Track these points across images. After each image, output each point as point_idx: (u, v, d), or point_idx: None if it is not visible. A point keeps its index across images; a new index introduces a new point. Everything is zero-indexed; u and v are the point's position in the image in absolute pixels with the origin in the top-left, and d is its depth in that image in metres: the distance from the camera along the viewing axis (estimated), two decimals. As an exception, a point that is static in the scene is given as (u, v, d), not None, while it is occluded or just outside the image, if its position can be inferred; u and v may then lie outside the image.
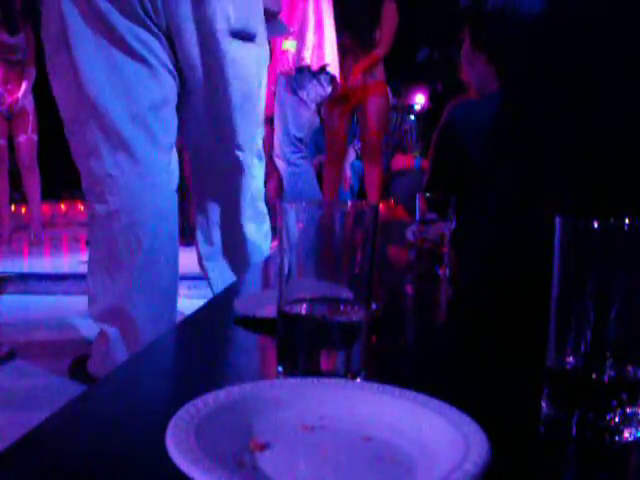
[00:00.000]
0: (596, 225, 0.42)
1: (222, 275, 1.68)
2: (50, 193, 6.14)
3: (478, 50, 1.45)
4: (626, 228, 0.41)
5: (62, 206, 6.59)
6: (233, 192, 1.63)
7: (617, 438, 0.42)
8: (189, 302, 1.70)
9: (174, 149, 1.55)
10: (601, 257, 0.43)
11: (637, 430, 0.43)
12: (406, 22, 3.55)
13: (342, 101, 3.58)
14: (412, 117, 6.45)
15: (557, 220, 0.44)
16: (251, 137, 1.62)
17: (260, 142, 1.68)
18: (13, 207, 4.37)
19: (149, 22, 1.40)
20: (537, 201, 0.76)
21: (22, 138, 3.99)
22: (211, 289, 1.72)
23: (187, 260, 1.80)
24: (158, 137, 1.47)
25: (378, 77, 3.57)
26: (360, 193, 5.59)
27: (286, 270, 0.51)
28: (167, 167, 1.51)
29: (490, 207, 0.90)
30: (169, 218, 1.52)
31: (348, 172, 5.52)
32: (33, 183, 4.14)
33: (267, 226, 1.74)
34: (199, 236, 1.70)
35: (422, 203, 1.10)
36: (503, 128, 0.87)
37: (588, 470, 0.42)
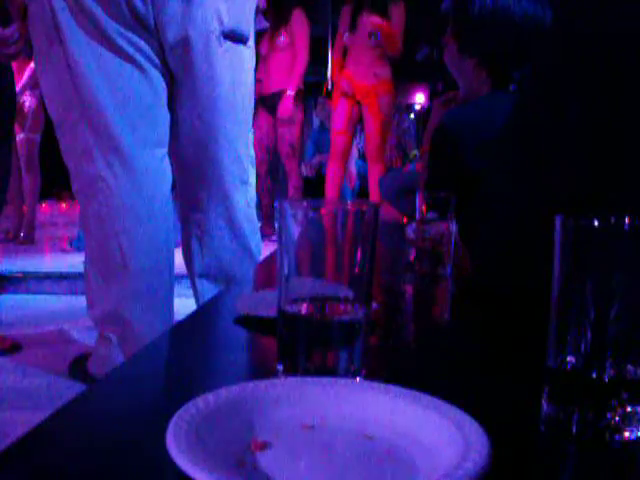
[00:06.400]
0: (596, 225, 0.42)
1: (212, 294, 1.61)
2: (50, 193, 6.14)
3: (467, 55, 1.37)
4: (626, 228, 0.41)
5: (63, 205, 6.59)
6: (227, 201, 1.56)
7: (617, 437, 0.42)
8: (189, 302, 1.69)
9: (166, 149, 1.51)
10: (601, 257, 0.42)
11: (637, 429, 0.43)
12: (406, 21, 3.56)
13: (347, 97, 3.61)
14: (412, 116, 6.46)
15: (557, 220, 0.44)
16: (242, 143, 1.57)
17: (252, 148, 1.63)
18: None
19: (137, 22, 1.37)
20: (542, 206, 0.75)
21: (19, 137, 3.91)
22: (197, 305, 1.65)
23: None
24: (150, 138, 1.45)
25: (385, 76, 3.58)
26: (361, 192, 5.58)
27: (286, 270, 0.51)
28: (159, 168, 1.48)
29: (492, 210, 0.90)
30: (162, 221, 1.49)
31: (353, 170, 5.48)
32: (29, 184, 4.07)
33: (258, 236, 1.68)
34: (194, 249, 1.61)
35: (422, 202, 1.09)
36: (515, 135, 0.86)
37: (588, 469, 0.42)
